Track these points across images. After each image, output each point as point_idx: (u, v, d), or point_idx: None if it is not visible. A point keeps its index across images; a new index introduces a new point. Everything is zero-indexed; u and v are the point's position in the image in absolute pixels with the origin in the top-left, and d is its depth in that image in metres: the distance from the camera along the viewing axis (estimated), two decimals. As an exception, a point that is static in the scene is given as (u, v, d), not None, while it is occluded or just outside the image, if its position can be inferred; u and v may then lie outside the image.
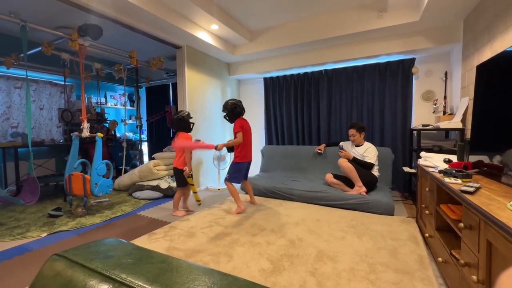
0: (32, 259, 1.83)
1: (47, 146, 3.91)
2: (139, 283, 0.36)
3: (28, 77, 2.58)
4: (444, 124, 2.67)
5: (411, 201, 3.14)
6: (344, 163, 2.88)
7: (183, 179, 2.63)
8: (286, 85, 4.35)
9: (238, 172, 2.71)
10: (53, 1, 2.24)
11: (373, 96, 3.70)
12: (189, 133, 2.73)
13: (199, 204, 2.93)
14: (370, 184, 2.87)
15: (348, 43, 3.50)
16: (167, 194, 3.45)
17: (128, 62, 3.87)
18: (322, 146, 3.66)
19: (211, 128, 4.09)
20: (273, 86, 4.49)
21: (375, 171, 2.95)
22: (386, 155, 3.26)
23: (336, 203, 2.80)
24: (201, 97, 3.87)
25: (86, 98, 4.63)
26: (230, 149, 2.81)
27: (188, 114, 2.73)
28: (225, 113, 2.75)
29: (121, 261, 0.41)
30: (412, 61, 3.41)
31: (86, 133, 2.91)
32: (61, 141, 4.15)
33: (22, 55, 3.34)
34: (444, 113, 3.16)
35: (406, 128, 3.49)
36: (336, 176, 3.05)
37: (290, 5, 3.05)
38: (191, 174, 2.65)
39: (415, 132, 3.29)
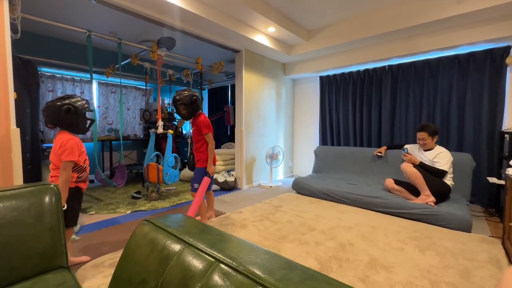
0: (121, 229, 2.29)
1: (131, 140, 4.75)
2: (202, 246, 0.46)
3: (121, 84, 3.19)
4: (550, 127, 2.13)
5: (499, 218, 2.61)
6: (408, 168, 2.61)
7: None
8: (344, 83, 4.15)
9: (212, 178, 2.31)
10: (138, 20, 2.69)
11: (450, 93, 3.20)
12: (75, 135, 1.58)
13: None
14: (441, 193, 2.51)
15: (418, 34, 3.11)
16: (223, 187, 3.75)
17: (194, 67, 4.34)
18: (383, 149, 3.37)
19: (265, 128, 4.24)
20: (329, 85, 4.34)
21: (448, 180, 2.57)
22: (464, 162, 2.78)
23: (397, 211, 2.56)
24: (256, 97, 4.04)
25: (161, 100, 5.39)
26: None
27: (86, 103, 1.60)
28: (183, 107, 2.13)
29: (189, 230, 0.53)
30: (506, 50, 2.81)
31: (160, 129, 3.41)
32: (141, 136, 4.96)
33: (117, 66, 4.12)
34: (553, 112, 2.51)
35: (495, 131, 2.91)
36: (397, 182, 2.78)
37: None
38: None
39: (507, 135, 2.72)
